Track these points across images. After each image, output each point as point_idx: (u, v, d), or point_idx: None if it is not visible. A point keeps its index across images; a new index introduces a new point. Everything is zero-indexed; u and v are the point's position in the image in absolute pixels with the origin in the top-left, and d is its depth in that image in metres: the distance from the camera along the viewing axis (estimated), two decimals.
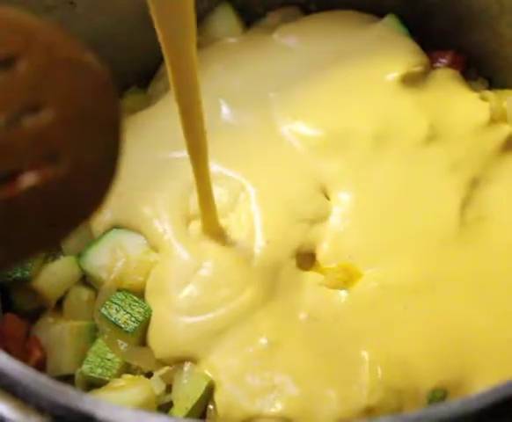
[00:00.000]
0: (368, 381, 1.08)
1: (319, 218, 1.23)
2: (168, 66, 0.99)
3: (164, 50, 0.98)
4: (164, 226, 1.24)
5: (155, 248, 1.23)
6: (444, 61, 1.42)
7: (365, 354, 1.11)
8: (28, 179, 0.63)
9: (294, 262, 1.20)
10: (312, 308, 1.16)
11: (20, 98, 0.63)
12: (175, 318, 1.17)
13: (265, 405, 1.08)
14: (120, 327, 1.18)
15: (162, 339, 1.17)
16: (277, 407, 1.08)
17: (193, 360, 1.14)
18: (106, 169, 0.68)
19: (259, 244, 1.20)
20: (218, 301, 1.16)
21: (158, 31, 0.96)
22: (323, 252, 1.21)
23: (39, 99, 0.64)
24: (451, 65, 1.42)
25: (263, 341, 1.12)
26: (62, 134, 0.65)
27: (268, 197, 1.25)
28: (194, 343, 1.14)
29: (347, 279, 1.18)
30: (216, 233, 1.21)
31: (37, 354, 1.18)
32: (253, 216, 1.22)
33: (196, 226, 1.23)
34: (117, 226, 1.25)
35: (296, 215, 1.22)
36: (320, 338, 1.13)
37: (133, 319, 1.18)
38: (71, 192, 0.66)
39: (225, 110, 1.34)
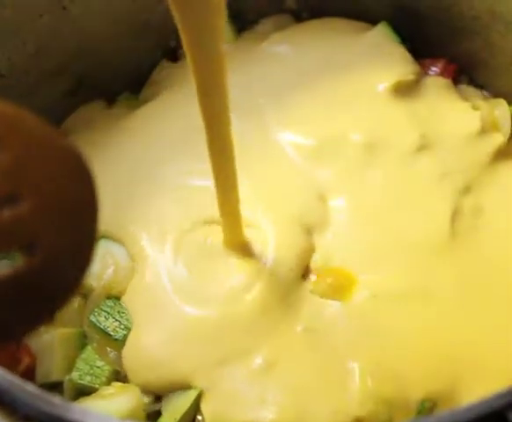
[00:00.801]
0: (358, 392, 1.08)
1: (320, 226, 1.23)
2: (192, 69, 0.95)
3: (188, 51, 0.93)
4: (146, 244, 1.23)
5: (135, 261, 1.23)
6: (436, 69, 1.43)
7: (356, 364, 1.10)
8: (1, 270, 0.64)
9: (298, 272, 1.19)
10: (308, 319, 1.15)
11: None
12: (150, 348, 1.16)
13: (255, 416, 1.08)
14: (109, 335, 1.18)
15: (137, 367, 1.16)
16: (268, 417, 1.08)
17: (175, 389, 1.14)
18: (82, 251, 0.69)
19: (267, 259, 1.19)
20: (211, 342, 1.14)
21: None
22: (317, 260, 1.21)
23: (16, 190, 0.65)
24: (443, 73, 1.42)
25: (258, 361, 1.11)
26: (39, 224, 0.65)
27: (271, 207, 1.24)
28: (176, 375, 1.13)
29: (340, 285, 1.18)
30: (240, 245, 1.20)
31: (26, 361, 1.17)
32: (260, 230, 1.22)
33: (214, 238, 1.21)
34: (104, 236, 1.25)
35: (299, 225, 1.22)
36: (314, 349, 1.13)
37: (122, 327, 1.18)
38: (46, 280, 0.67)
39: None
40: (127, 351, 1.16)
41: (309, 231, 1.22)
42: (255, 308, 1.15)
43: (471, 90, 1.44)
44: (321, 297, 1.17)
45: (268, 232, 1.21)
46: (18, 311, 0.67)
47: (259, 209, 1.24)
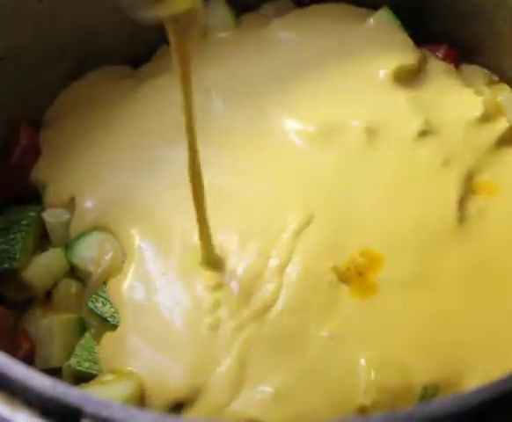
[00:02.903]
0: (362, 384, 1.07)
1: (342, 212, 1.22)
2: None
3: None
4: (137, 241, 1.22)
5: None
6: (438, 54, 1.42)
7: (361, 356, 1.09)
8: None
9: (332, 270, 1.17)
10: (337, 321, 1.13)
11: None
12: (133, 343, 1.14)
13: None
14: (107, 320, 1.17)
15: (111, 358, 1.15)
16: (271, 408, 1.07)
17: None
18: None
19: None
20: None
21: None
22: (348, 244, 1.19)
23: None
24: (445, 59, 1.42)
25: (268, 389, 1.09)
26: None
27: (289, 194, 1.23)
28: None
29: (369, 266, 1.17)
30: (214, 263, 1.17)
31: (25, 347, 1.17)
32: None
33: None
34: (99, 229, 1.24)
35: (322, 213, 1.21)
36: (330, 351, 1.11)
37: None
38: None
39: (218, 106, 1.33)
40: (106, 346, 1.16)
41: (332, 217, 1.21)
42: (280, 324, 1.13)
43: (473, 68, 1.44)
44: (350, 284, 1.16)
45: (292, 224, 1.20)
46: None
47: (274, 199, 1.23)
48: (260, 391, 1.08)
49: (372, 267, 1.16)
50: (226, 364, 1.10)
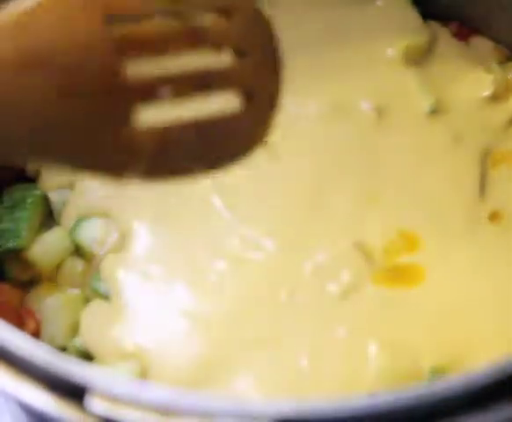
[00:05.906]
0: (372, 368, 1.06)
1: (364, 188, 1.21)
2: None
3: None
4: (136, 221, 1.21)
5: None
6: (448, 33, 1.41)
7: (373, 342, 1.08)
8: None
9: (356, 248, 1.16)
10: (354, 318, 1.11)
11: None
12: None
13: None
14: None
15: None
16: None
17: None
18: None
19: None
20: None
21: None
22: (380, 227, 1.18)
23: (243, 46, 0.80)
24: (455, 36, 1.41)
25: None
26: (258, 75, 0.82)
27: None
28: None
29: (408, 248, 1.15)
30: None
31: (31, 326, 1.16)
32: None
33: None
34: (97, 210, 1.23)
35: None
36: (339, 343, 1.09)
37: None
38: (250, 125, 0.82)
39: None
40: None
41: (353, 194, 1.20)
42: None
43: (484, 44, 1.41)
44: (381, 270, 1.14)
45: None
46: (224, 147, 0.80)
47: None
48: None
49: (408, 250, 1.15)
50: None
